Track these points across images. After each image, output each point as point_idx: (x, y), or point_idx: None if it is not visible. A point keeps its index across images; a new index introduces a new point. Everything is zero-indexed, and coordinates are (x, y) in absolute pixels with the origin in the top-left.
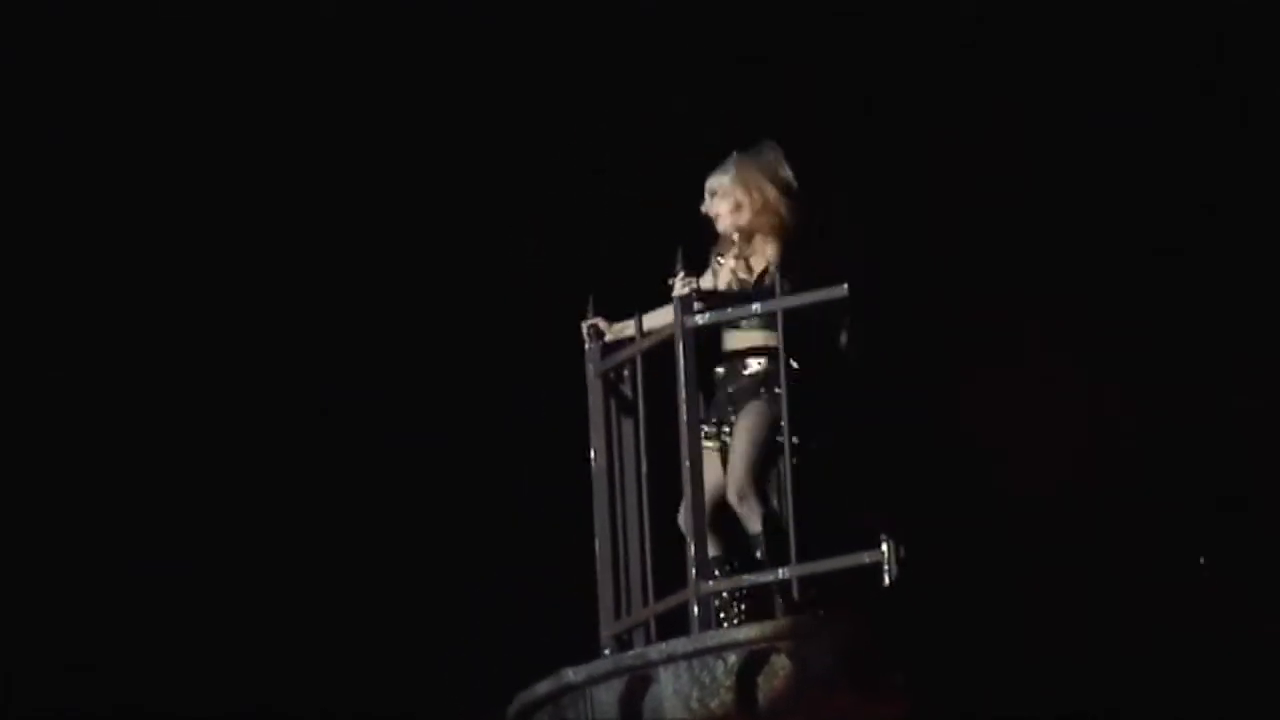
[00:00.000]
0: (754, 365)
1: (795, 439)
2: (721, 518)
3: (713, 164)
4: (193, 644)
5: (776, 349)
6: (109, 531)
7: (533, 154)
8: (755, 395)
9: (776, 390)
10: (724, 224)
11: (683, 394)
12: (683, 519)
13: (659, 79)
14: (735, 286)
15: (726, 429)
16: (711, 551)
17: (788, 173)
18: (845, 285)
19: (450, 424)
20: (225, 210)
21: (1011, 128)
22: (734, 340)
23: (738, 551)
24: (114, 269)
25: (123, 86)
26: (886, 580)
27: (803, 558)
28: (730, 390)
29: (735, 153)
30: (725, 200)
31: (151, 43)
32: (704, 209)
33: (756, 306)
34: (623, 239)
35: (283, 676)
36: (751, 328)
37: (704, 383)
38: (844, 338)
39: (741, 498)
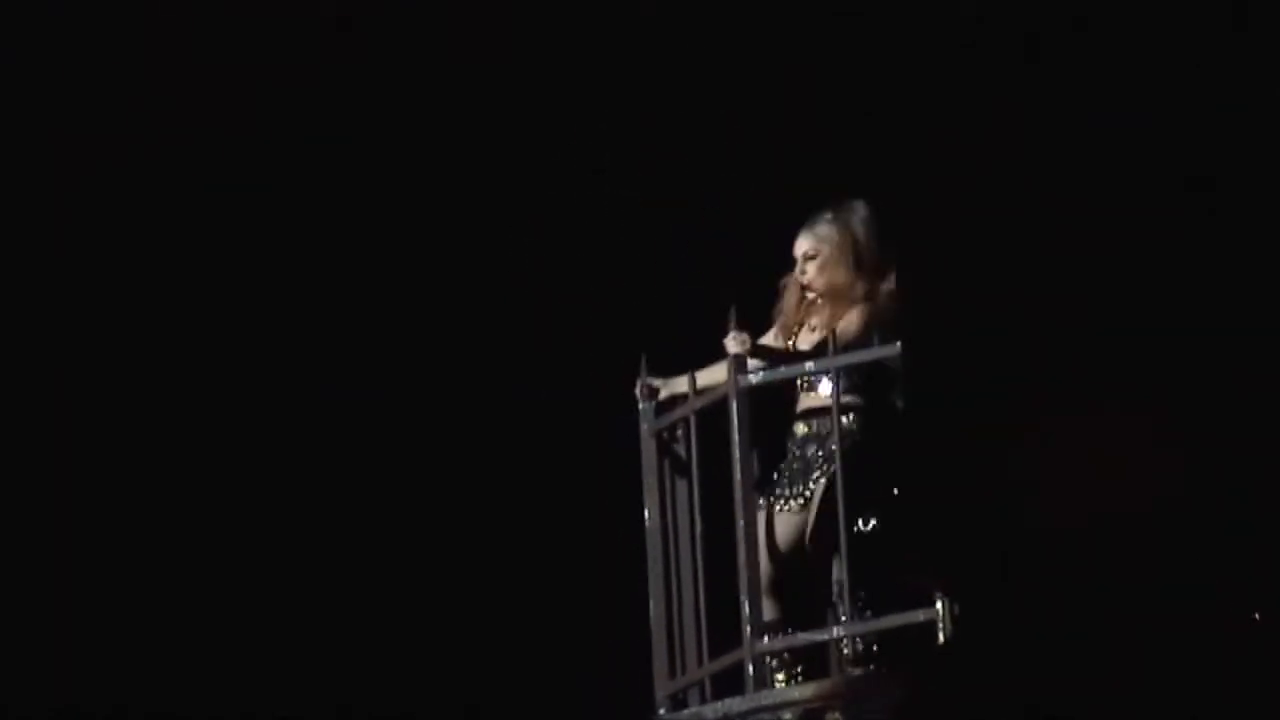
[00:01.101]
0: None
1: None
2: (786, 580)
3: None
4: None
5: (859, 406)
6: (142, 533)
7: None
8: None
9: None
10: (817, 285)
11: (736, 454)
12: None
13: (661, 80)
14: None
15: (808, 489)
16: (771, 615)
17: (874, 238)
18: (899, 343)
19: (505, 477)
20: (228, 211)
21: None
22: (812, 399)
23: (802, 614)
24: (100, 267)
25: (117, 82)
26: (941, 639)
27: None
28: (816, 449)
29: (830, 213)
30: (820, 261)
31: (146, 41)
32: (796, 273)
33: (810, 365)
34: (676, 293)
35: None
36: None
37: (765, 439)
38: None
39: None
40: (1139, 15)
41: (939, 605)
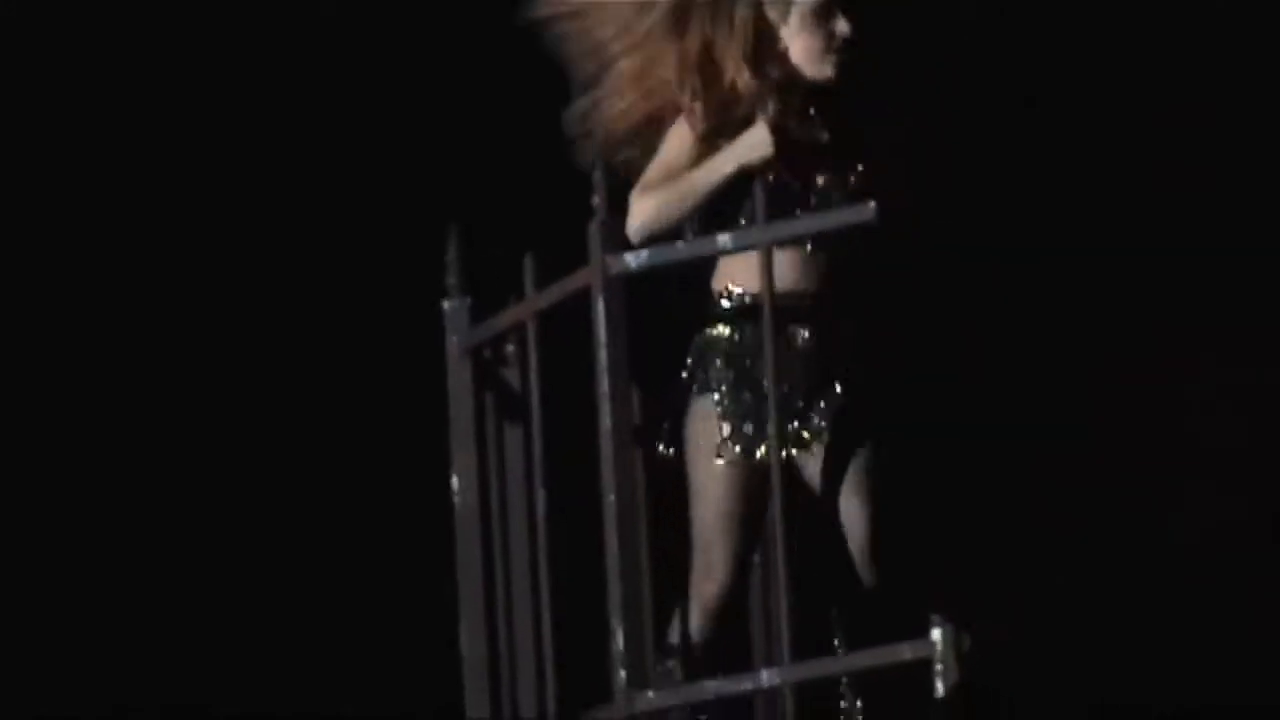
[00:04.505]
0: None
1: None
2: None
3: None
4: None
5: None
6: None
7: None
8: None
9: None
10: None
11: (606, 384)
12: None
13: None
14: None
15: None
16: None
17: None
18: (872, 204)
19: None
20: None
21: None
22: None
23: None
24: None
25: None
26: (940, 687)
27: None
28: (796, 377)
29: None
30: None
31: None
32: None
33: (726, 239)
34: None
35: None
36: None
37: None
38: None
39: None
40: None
41: (937, 636)
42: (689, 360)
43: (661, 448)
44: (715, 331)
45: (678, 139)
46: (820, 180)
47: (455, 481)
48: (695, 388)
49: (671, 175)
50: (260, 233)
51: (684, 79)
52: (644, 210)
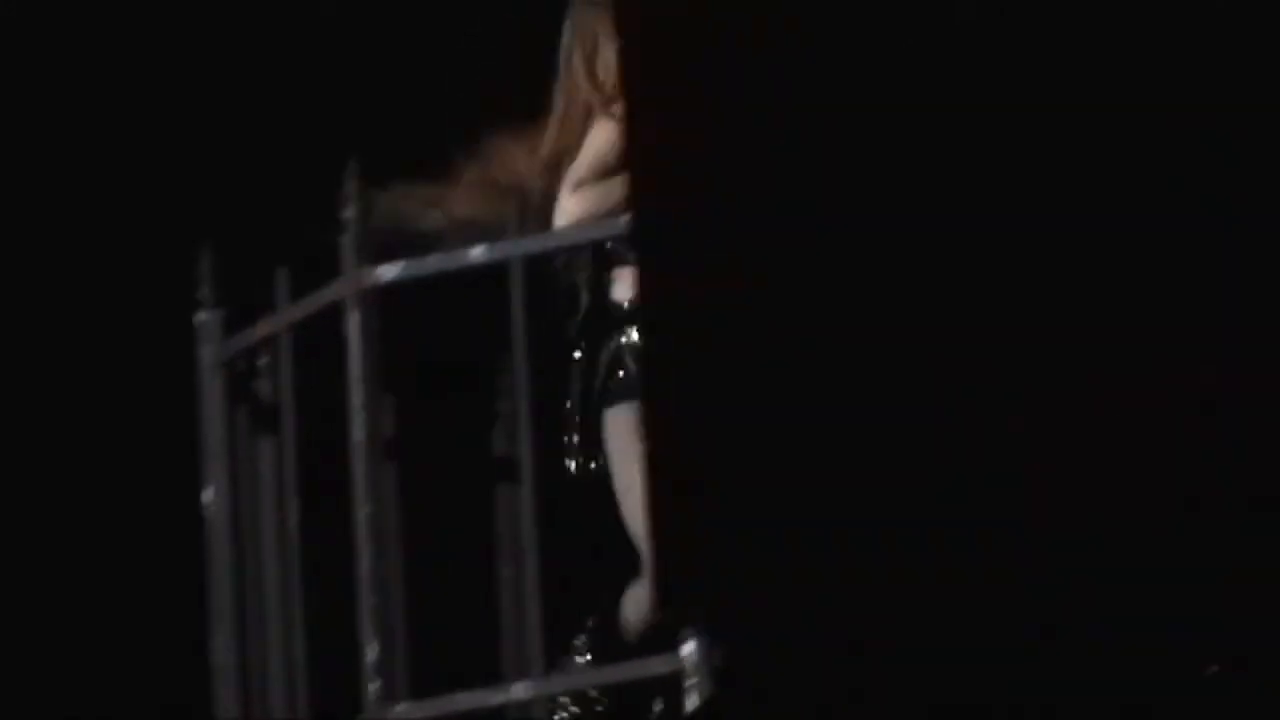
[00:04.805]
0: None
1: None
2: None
3: None
4: None
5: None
6: None
7: None
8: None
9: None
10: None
11: (358, 397)
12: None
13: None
14: None
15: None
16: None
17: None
18: (624, 219)
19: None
20: None
21: None
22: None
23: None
24: None
25: None
26: (692, 701)
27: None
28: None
29: None
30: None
31: None
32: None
33: (478, 251)
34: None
35: None
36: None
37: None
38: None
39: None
40: None
41: (689, 650)
42: (592, 368)
43: (573, 464)
44: (627, 339)
45: (605, 136)
46: None
47: (207, 494)
48: (614, 397)
49: (603, 172)
50: (15, 241)
51: (611, 101)
52: (581, 207)
